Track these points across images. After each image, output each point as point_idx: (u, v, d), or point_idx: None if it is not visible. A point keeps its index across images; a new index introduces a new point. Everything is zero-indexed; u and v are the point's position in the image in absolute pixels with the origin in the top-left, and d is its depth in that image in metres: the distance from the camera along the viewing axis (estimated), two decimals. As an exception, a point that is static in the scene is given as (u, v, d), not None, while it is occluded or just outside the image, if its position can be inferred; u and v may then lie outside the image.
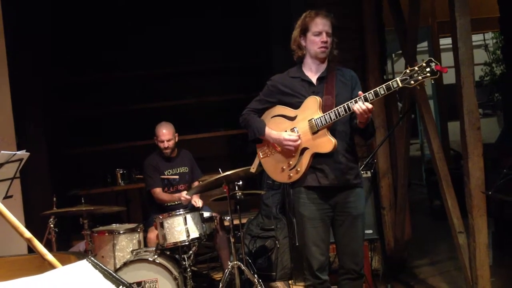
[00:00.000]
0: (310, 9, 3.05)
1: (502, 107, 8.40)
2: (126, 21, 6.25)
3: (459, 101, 3.38)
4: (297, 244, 4.12)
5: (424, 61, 2.61)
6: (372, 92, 2.70)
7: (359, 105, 2.71)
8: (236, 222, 4.15)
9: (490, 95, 11.15)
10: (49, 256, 1.41)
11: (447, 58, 7.78)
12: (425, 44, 9.67)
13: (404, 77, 2.64)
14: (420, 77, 2.60)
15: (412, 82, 2.62)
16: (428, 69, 2.59)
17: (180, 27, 6.36)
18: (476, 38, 11.25)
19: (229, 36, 6.35)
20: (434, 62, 2.58)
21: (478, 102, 3.42)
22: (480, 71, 11.10)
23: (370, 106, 2.71)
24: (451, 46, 3.55)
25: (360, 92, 2.77)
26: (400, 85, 2.64)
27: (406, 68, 2.66)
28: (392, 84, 2.65)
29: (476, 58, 3.77)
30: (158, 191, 4.65)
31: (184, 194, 4.48)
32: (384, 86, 2.68)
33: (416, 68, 2.61)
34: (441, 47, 9.15)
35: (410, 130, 4.61)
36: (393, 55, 12.11)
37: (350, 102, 2.76)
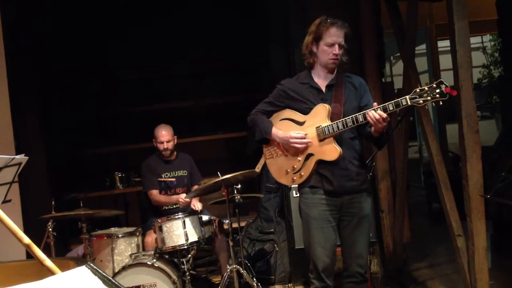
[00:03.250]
0: (325, 16, 3.03)
1: (500, 109, 8.40)
2: (126, 22, 6.24)
3: (457, 104, 3.37)
4: (296, 247, 4.13)
5: (435, 82, 2.67)
6: (381, 107, 2.76)
7: (373, 114, 2.74)
8: (235, 225, 4.15)
9: (488, 98, 11.17)
10: (48, 262, 1.41)
11: (445, 61, 7.81)
12: (423, 46, 9.69)
13: (414, 96, 2.70)
14: (429, 98, 2.67)
15: (421, 101, 2.69)
16: (438, 90, 2.66)
17: (179, 28, 6.35)
18: (474, 40, 11.30)
19: (227, 38, 6.34)
20: (445, 84, 2.65)
21: (476, 104, 3.42)
22: (478, 74, 11.13)
23: (384, 115, 2.74)
24: (449, 48, 3.55)
25: (375, 104, 2.81)
26: (409, 103, 2.71)
27: (416, 87, 2.73)
28: (401, 101, 2.72)
29: (474, 60, 3.77)
30: (154, 193, 4.63)
31: (182, 196, 4.47)
32: (393, 103, 2.74)
33: (426, 88, 2.68)
34: (439, 49, 9.17)
35: (409, 133, 4.62)
36: (391, 57, 12.13)
37: (359, 114, 2.81)
